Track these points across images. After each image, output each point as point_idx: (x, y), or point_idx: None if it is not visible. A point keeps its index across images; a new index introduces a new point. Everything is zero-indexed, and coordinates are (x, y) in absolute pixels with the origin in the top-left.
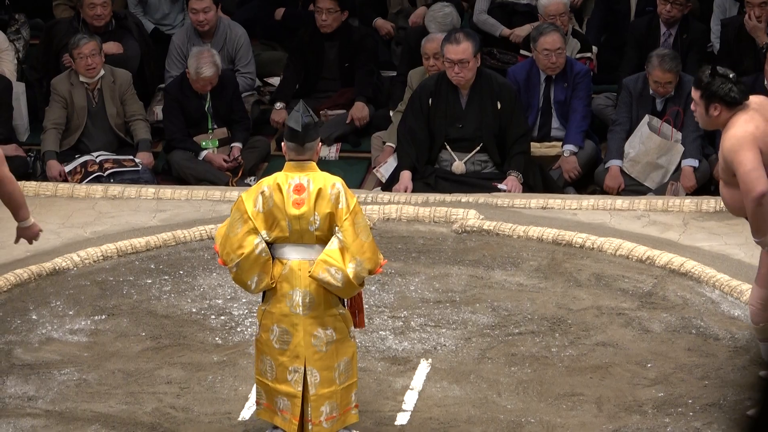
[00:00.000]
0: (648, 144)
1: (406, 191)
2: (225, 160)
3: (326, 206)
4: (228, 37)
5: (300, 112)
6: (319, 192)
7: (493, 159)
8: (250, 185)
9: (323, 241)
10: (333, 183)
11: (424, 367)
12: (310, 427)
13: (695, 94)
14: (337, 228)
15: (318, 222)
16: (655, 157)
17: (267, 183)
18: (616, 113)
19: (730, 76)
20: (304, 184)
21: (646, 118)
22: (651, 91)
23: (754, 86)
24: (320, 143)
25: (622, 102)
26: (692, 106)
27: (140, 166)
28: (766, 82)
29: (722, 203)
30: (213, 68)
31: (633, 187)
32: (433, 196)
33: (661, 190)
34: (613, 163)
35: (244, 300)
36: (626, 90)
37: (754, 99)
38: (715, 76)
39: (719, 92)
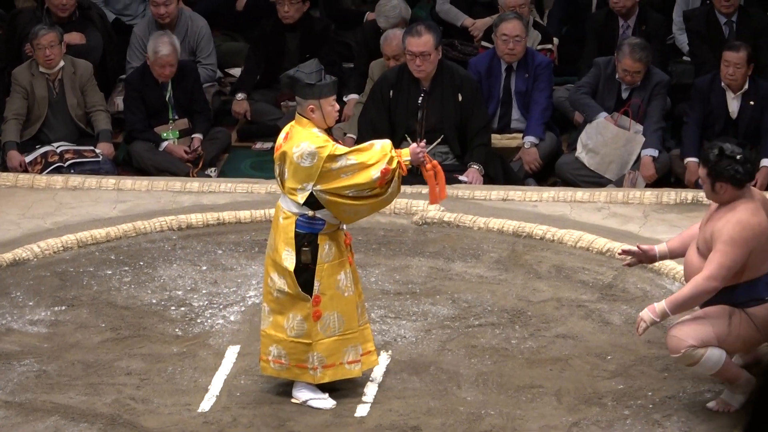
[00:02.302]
0: (605, 134)
1: None
2: (186, 151)
3: (283, 157)
4: (189, 28)
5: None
6: (280, 147)
7: (453, 151)
8: (211, 176)
9: (289, 194)
10: (299, 143)
11: (384, 359)
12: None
13: (702, 171)
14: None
15: (278, 168)
16: (614, 148)
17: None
18: (583, 79)
19: (737, 157)
20: (288, 134)
21: (602, 113)
22: (617, 77)
23: (712, 84)
24: (313, 106)
25: (592, 74)
26: (700, 181)
27: (101, 156)
28: (722, 84)
29: (682, 197)
30: (170, 47)
31: (593, 179)
32: None
33: (621, 182)
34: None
35: (204, 291)
36: (597, 67)
37: (755, 192)
38: (723, 157)
39: (726, 173)
